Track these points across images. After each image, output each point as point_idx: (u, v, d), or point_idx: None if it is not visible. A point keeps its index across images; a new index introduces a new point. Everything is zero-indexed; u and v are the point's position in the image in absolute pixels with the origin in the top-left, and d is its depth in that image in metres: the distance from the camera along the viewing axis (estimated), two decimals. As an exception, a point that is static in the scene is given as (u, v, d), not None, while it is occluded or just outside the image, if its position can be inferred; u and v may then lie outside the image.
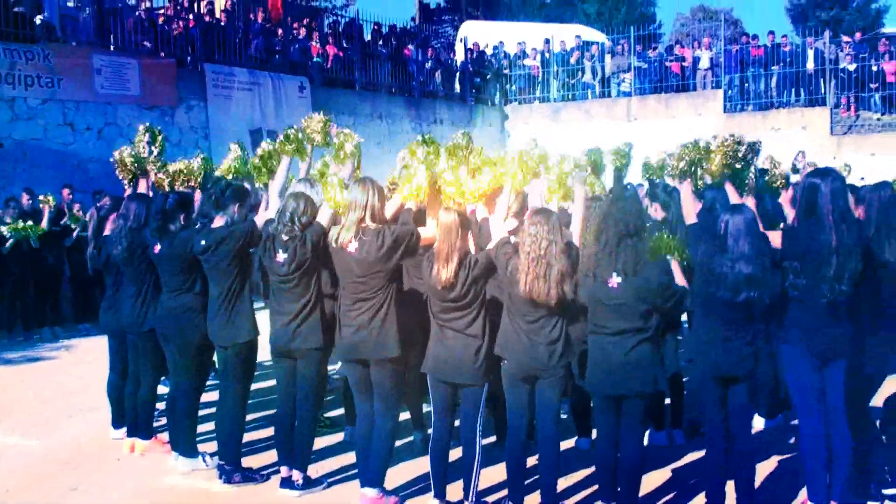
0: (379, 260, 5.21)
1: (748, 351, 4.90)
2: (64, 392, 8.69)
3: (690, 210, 5.58)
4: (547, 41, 24.82)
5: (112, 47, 15.35)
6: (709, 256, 4.92)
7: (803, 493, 5.14)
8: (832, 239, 4.80)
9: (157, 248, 6.16)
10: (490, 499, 5.45)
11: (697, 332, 5.21)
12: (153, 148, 7.21)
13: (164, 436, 6.61)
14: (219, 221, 5.97)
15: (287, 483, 5.70)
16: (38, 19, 14.17)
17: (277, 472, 5.82)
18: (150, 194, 6.98)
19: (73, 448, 6.85)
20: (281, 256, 5.52)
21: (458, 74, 24.16)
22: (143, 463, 6.42)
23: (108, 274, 6.81)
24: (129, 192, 7.13)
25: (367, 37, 22.08)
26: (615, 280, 4.86)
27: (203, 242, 5.82)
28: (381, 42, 21.99)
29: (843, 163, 7.14)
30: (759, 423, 6.97)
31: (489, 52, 25.04)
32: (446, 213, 5.16)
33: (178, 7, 17.79)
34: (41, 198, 11.54)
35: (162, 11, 17.50)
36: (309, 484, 5.73)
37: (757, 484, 5.24)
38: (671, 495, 5.58)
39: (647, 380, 4.90)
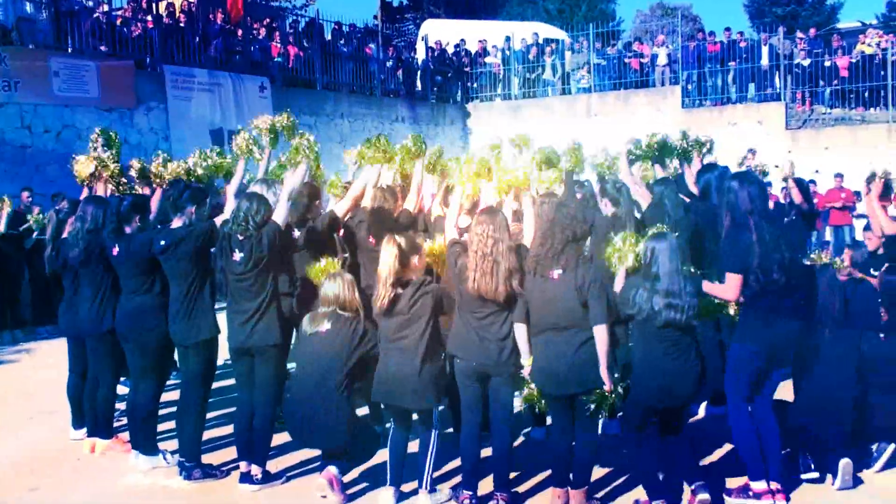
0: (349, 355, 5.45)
1: (687, 379, 5.08)
2: (24, 394, 8.70)
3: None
4: (508, 39, 25.00)
5: (70, 50, 15.26)
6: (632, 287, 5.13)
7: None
8: (753, 237, 5.09)
9: (115, 250, 6.21)
10: (445, 486, 5.57)
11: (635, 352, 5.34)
12: (110, 152, 7.26)
13: (125, 435, 6.64)
14: (177, 222, 6.06)
15: (246, 478, 5.79)
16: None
17: (237, 467, 5.91)
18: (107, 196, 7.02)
19: (33, 450, 6.87)
20: (237, 255, 5.63)
21: (419, 73, 24.24)
22: (104, 463, 6.46)
23: (66, 276, 6.83)
24: (85, 194, 7.15)
25: (328, 36, 22.09)
26: (556, 272, 5.01)
27: (162, 242, 5.91)
28: (342, 41, 22.01)
29: (784, 161, 7.31)
30: (702, 410, 7.21)
31: (450, 50, 25.15)
32: (388, 242, 5.35)
33: (137, 9, 17.68)
34: (3, 198, 11.53)
35: (120, 13, 17.39)
36: (268, 478, 5.82)
37: (707, 464, 5.43)
38: (621, 480, 5.74)
39: (593, 378, 5.00)
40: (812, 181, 18.31)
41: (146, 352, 6.17)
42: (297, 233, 6.73)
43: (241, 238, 5.62)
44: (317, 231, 6.65)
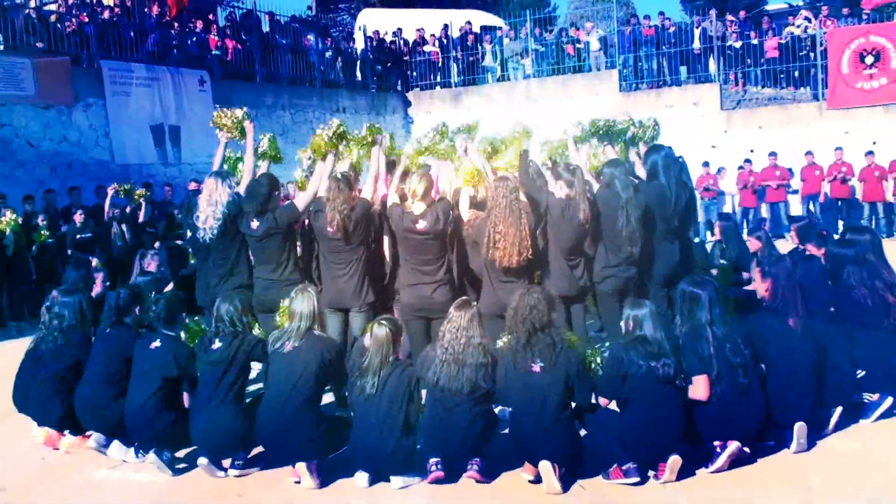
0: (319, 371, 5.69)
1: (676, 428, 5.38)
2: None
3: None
4: (445, 27, 25.07)
5: (2, 47, 14.95)
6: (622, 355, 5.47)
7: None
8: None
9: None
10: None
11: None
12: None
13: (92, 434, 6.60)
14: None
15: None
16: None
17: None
18: None
19: (-4, 451, 6.83)
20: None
21: (358, 63, 24.20)
22: (70, 461, 6.44)
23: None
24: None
25: (266, 28, 21.94)
26: (536, 366, 5.39)
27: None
28: (279, 33, 21.87)
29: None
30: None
31: (388, 39, 25.15)
32: (378, 326, 5.65)
33: (72, 4, 17.36)
34: None
35: (54, 8, 17.06)
36: (246, 464, 5.92)
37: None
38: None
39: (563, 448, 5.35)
40: (748, 160, 18.84)
41: None
42: (255, 223, 6.84)
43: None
44: (277, 223, 6.76)
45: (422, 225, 6.66)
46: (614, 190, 7.03)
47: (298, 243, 7.54)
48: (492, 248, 6.50)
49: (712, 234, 18.30)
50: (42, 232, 12.57)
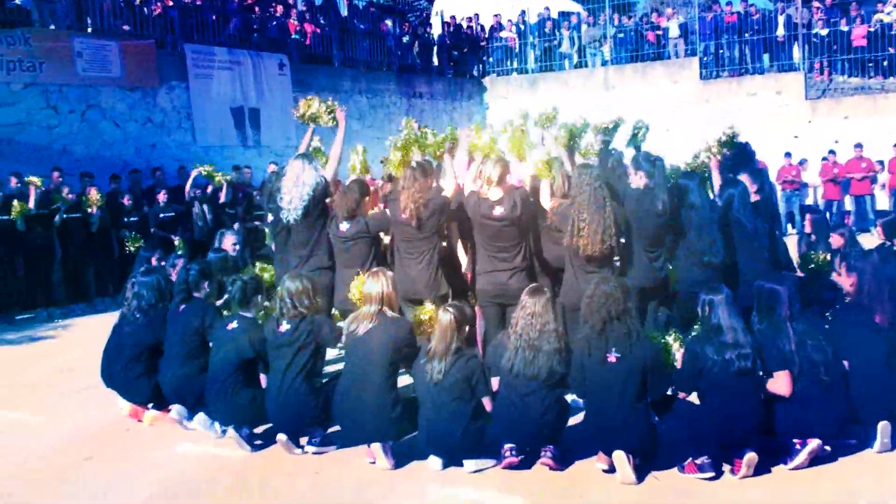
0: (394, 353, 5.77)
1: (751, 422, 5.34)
2: (66, 370, 8.86)
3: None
4: (523, 13, 24.93)
5: (90, 30, 15.35)
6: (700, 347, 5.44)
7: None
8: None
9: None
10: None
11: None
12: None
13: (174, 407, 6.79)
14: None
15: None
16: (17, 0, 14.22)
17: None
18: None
19: (83, 422, 7.05)
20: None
21: (435, 48, 24.24)
22: (153, 433, 6.65)
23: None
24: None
25: (344, 13, 22.11)
26: (612, 356, 5.36)
27: None
28: (357, 18, 22.03)
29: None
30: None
31: (465, 24, 25.12)
32: (443, 312, 5.69)
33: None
34: (28, 179, 11.74)
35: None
36: (323, 442, 6.03)
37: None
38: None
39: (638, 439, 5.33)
40: (832, 151, 18.34)
41: None
42: (344, 226, 6.95)
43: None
44: (368, 228, 7.10)
45: (498, 211, 6.65)
46: (691, 203, 7.02)
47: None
48: (576, 236, 6.45)
49: (793, 227, 17.98)
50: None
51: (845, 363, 5.70)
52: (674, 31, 22.59)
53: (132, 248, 12.18)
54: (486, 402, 5.66)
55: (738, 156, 7.78)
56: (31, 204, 11.71)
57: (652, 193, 6.75)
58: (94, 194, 12.46)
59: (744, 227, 7.07)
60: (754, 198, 7.32)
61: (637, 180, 6.96)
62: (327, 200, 7.34)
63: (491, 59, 24.92)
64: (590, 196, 6.42)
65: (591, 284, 5.63)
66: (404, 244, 6.96)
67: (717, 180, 7.42)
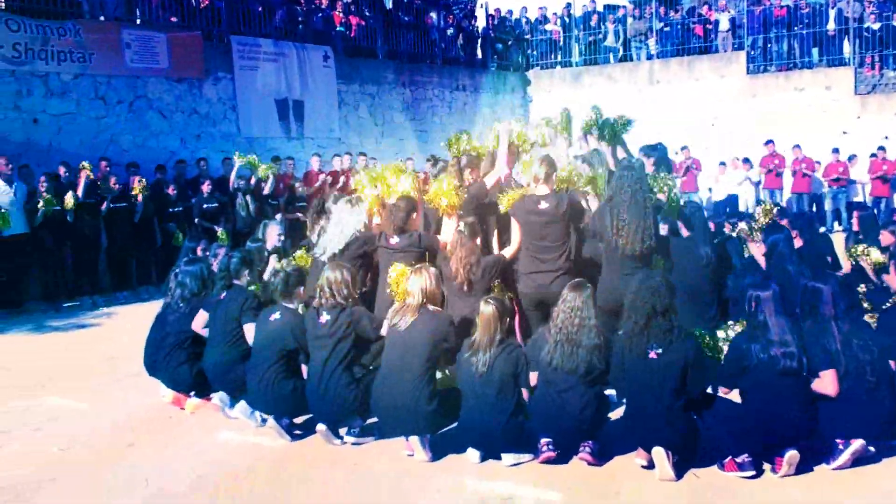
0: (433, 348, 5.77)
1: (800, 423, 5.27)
2: (110, 357, 8.99)
3: None
4: (568, 5, 24.80)
5: (139, 21, 15.55)
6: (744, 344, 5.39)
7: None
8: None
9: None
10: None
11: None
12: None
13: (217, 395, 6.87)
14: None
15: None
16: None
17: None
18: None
19: (126, 408, 7.16)
20: None
21: (479, 41, 24.19)
22: (195, 420, 6.74)
23: None
24: None
25: (389, 5, 22.15)
26: (654, 352, 5.32)
27: None
28: (402, 10, 22.05)
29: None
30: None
31: (511, 17, 25.03)
32: (485, 304, 5.70)
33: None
34: (82, 164, 11.93)
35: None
36: (362, 433, 6.08)
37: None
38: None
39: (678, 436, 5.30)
40: (881, 147, 18.01)
41: None
42: (394, 240, 6.94)
43: None
44: (421, 244, 7.06)
45: (544, 206, 6.65)
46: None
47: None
48: (616, 235, 6.42)
49: (840, 224, 17.70)
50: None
51: (892, 364, 5.61)
52: (724, 25, 22.28)
53: (176, 242, 12.39)
54: (524, 394, 5.65)
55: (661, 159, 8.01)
56: (80, 191, 11.89)
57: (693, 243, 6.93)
58: (138, 184, 12.63)
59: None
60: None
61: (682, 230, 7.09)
62: (366, 247, 7.21)
63: (535, 53, 24.79)
64: (631, 196, 6.40)
65: (636, 280, 5.60)
66: (453, 299, 6.90)
67: None
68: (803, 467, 5.23)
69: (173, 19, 16.17)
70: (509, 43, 24.50)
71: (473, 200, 7.27)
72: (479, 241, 7.14)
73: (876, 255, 7.84)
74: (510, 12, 25.15)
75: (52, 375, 8.36)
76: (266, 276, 7.79)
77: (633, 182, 6.47)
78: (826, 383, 5.29)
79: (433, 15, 22.71)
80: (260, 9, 17.97)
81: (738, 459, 5.25)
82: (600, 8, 24.82)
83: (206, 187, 13.61)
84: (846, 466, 5.27)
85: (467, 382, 5.66)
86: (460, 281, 6.71)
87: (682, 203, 7.67)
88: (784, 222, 8.47)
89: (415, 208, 7.17)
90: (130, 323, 10.45)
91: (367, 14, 20.97)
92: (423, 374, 5.70)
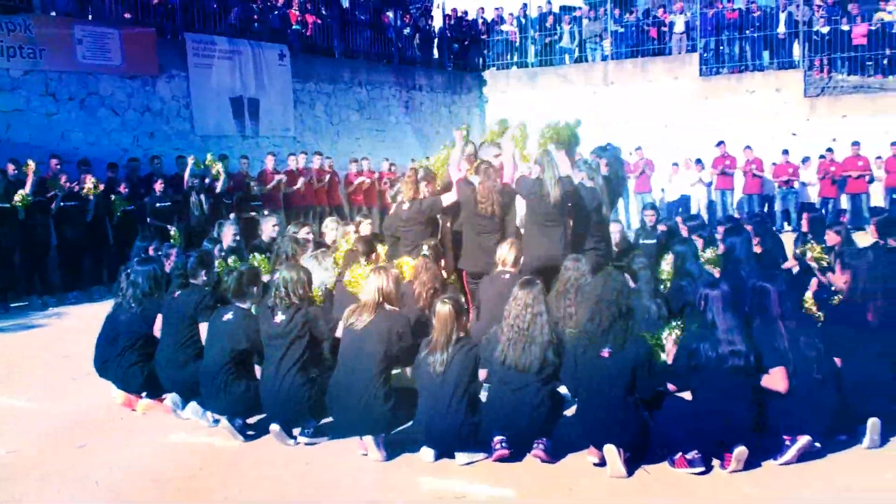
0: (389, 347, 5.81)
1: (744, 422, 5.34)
2: (60, 358, 8.89)
3: None
4: (524, 6, 24.89)
5: (91, 17, 15.32)
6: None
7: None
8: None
9: None
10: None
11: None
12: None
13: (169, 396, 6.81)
14: None
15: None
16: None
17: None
18: None
19: (79, 410, 7.07)
20: None
21: (436, 40, 24.22)
22: (146, 422, 6.68)
23: None
24: None
25: (345, 3, 22.07)
26: (606, 350, 5.39)
27: None
28: (358, 9, 21.98)
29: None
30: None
31: (466, 17, 25.07)
32: (441, 304, 5.71)
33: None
34: (27, 162, 11.72)
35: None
36: (315, 433, 6.07)
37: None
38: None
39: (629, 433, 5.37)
40: (829, 149, 18.36)
41: None
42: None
43: None
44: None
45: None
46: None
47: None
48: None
49: (789, 225, 18.02)
50: (116, 199, 12.92)
51: (837, 360, 5.74)
52: (679, 27, 22.51)
53: (118, 213, 12.60)
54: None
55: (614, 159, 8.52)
56: (28, 189, 11.69)
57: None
58: (89, 182, 12.46)
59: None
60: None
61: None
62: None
63: (491, 53, 24.87)
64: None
65: (599, 282, 5.67)
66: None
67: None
68: (751, 463, 5.33)
69: (127, 15, 15.94)
70: (465, 43, 24.54)
71: (422, 214, 7.76)
72: (443, 263, 7.31)
73: (822, 255, 8.02)
74: (466, 13, 25.19)
75: (5, 377, 8.23)
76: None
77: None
78: (776, 380, 5.39)
79: (390, 14, 22.68)
80: (215, 6, 17.81)
81: (689, 456, 5.33)
82: (556, 9, 24.96)
83: (158, 186, 13.47)
84: (793, 462, 5.37)
85: (425, 382, 5.68)
86: (422, 306, 6.78)
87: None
88: (748, 228, 8.60)
89: (372, 250, 7.71)
90: (81, 323, 10.33)
91: (324, 13, 20.87)
92: (378, 374, 5.71)
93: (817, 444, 5.46)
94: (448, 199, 7.88)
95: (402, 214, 8.02)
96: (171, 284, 7.21)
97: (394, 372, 6.10)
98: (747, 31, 21.51)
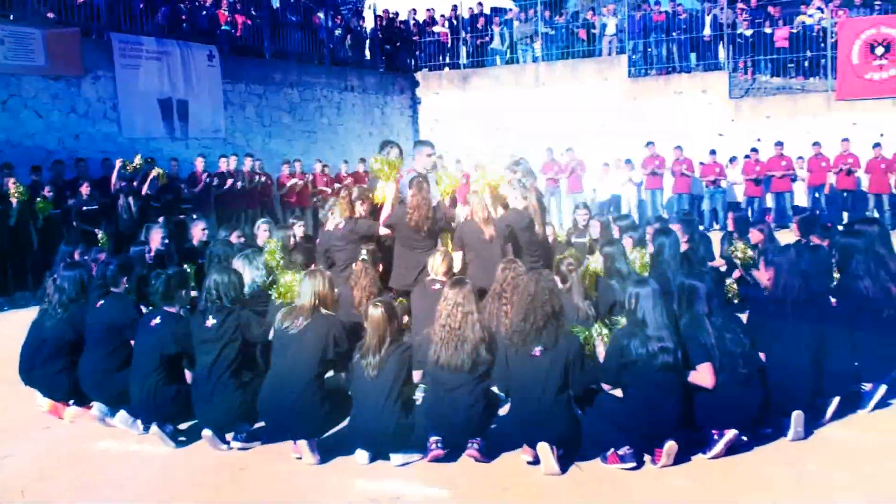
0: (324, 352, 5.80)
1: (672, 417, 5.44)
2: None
3: None
4: (455, 7, 24.97)
5: (13, 17, 14.92)
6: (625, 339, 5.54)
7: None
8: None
9: None
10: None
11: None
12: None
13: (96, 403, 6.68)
14: None
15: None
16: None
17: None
18: None
19: (3, 418, 6.92)
20: None
21: (367, 41, 24.15)
22: (74, 430, 6.54)
23: None
24: None
25: (276, 4, 21.87)
26: (537, 349, 5.46)
27: None
28: (289, 9, 21.80)
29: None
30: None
31: (398, 18, 25.06)
32: (373, 307, 5.71)
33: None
34: None
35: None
36: (248, 438, 6.01)
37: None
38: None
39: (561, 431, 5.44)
40: (754, 149, 18.81)
41: None
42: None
43: None
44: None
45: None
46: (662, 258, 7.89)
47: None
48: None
49: (717, 223, 18.41)
50: (40, 202, 12.58)
51: (762, 355, 5.88)
52: (611, 29, 22.79)
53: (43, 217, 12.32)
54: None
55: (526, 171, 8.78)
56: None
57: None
58: (12, 185, 12.15)
59: None
60: None
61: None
62: None
63: (423, 54, 24.88)
64: None
65: (532, 281, 5.72)
66: None
67: None
68: (681, 458, 5.44)
69: (50, 15, 15.54)
70: (398, 44, 24.51)
71: (356, 234, 7.91)
72: (380, 267, 7.34)
73: (747, 253, 8.23)
74: (397, 14, 25.17)
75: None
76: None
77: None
78: (703, 376, 5.51)
79: (321, 15, 22.53)
80: (142, 6, 17.47)
81: (620, 452, 5.41)
82: (487, 10, 25.09)
83: (85, 189, 13.18)
84: (721, 455, 5.50)
85: (359, 385, 5.67)
86: (363, 310, 6.76)
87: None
88: (677, 227, 8.75)
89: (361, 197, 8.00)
90: (4, 330, 10.04)
91: (254, 13, 20.64)
92: (313, 378, 5.68)
93: (744, 438, 5.60)
94: (384, 229, 8.01)
95: (337, 233, 8.02)
96: (91, 294, 7.03)
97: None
98: (674, 34, 21.90)
